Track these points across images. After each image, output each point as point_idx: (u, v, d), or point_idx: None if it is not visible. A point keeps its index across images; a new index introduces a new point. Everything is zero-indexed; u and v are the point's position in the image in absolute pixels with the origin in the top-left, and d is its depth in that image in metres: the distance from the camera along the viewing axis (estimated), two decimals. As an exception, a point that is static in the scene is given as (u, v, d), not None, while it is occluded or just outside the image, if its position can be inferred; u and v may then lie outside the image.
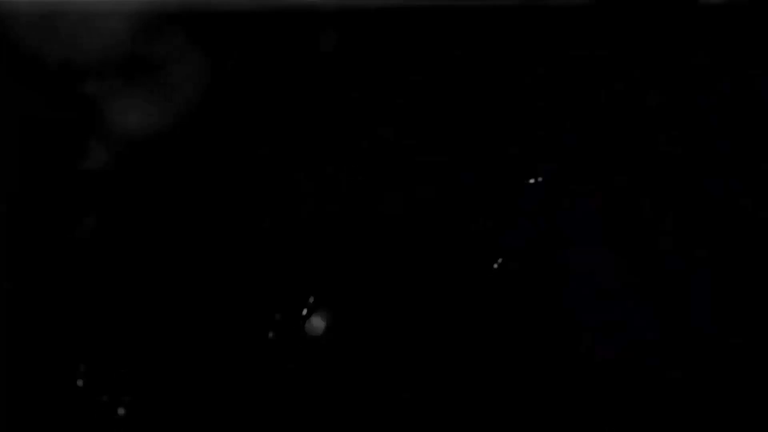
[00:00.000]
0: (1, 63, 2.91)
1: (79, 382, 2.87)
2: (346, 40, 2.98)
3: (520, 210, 2.96)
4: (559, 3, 2.94)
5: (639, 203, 2.96)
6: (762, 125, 2.95)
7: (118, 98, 2.92)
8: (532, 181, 2.79)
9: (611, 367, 2.91)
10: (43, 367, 2.91)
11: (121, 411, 2.83)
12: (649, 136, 2.97)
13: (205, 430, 2.90)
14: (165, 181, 2.97)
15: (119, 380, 2.90)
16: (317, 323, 2.69)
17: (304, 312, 2.69)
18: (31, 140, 2.94)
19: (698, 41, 2.95)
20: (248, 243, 2.97)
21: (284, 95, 2.99)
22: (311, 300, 2.73)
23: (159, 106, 2.94)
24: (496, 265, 2.75)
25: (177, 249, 2.96)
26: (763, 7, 2.93)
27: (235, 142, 2.98)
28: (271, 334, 2.62)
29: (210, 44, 2.95)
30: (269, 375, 2.93)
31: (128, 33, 2.92)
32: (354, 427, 2.92)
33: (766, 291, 2.92)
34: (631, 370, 2.91)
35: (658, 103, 2.97)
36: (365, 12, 2.96)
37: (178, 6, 2.92)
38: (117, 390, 2.90)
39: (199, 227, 2.97)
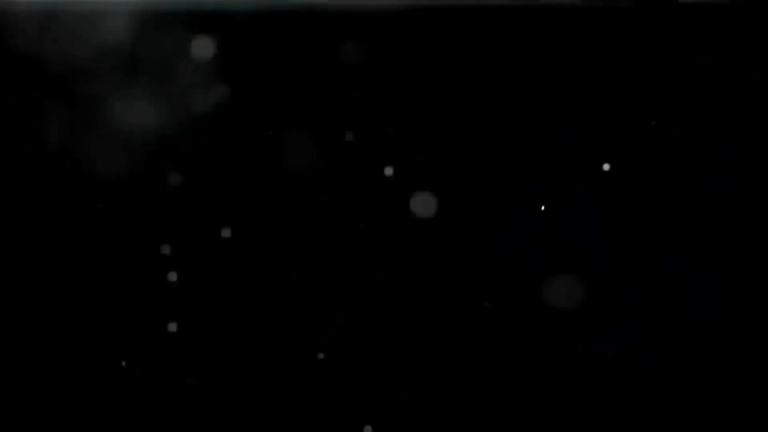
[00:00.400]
0: (1, 63, 2.91)
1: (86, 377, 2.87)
2: (344, 40, 2.97)
3: (520, 210, 2.96)
4: (551, 3, 2.94)
5: (639, 203, 2.95)
6: (761, 125, 2.95)
7: (118, 98, 2.92)
8: (606, 167, 2.78)
9: (611, 367, 2.91)
10: (42, 366, 2.91)
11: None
12: (648, 136, 2.97)
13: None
14: (166, 180, 2.96)
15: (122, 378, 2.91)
16: (424, 202, 2.60)
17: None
18: (31, 140, 2.93)
19: (679, 40, 2.95)
20: (248, 244, 2.97)
21: (284, 95, 2.99)
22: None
23: (159, 106, 2.93)
24: (543, 208, 2.73)
25: (177, 249, 2.96)
26: (742, 6, 2.93)
27: (235, 142, 2.98)
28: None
29: (210, 44, 2.94)
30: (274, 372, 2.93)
31: (129, 33, 2.91)
32: (354, 426, 2.92)
33: (766, 291, 2.92)
34: (631, 370, 2.90)
35: (656, 102, 2.97)
36: (363, 12, 2.96)
37: (179, 6, 2.92)
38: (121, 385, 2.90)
39: (198, 228, 2.97)
